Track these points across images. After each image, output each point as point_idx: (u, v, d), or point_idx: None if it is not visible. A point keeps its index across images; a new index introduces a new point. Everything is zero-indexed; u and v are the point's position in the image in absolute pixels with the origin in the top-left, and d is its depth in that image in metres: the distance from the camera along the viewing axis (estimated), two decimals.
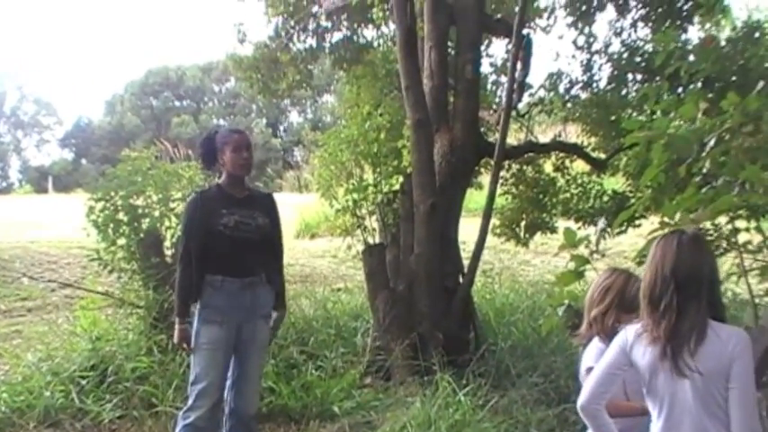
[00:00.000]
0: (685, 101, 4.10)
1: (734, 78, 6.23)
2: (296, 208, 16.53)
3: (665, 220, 4.01)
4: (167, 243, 6.83)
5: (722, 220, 4.41)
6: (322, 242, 14.63)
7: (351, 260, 9.94)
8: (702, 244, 2.72)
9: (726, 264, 4.49)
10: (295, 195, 23.55)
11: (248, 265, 4.49)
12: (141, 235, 6.78)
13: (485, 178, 9.71)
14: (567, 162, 9.75)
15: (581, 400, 2.80)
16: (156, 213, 6.88)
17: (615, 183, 9.98)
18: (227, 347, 4.45)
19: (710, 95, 5.78)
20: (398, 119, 7.55)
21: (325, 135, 8.14)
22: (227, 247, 4.39)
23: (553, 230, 9.60)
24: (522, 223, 9.77)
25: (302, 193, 24.98)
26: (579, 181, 9.65)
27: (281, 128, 56.39)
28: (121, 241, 6.83)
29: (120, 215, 6.81)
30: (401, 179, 7.28)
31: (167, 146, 9.01)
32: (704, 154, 3.92)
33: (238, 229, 4.42)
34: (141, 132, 49.52)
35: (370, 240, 7.54)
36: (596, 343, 3.21)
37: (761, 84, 3.95)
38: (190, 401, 4.38)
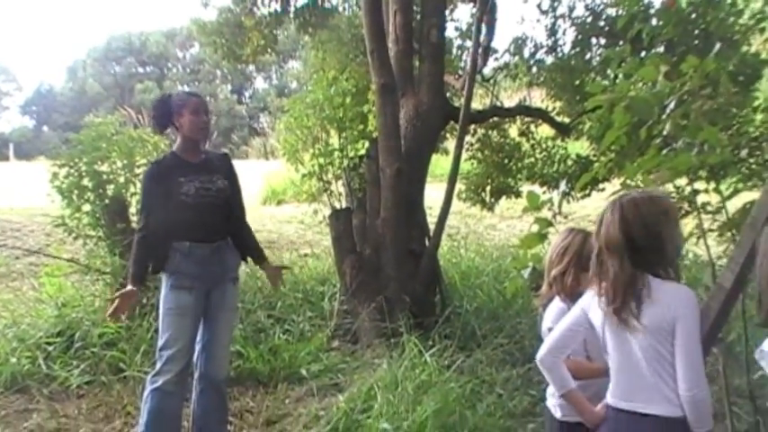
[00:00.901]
0: (646, 64, 4.16)
1: (696, 42, 6.29)
2: (262, 174, 16.48)
3: (628, 182, 4.09)
4: (132, 209, 6.80)
5: (683, 182, 4.47)
6: (289, 208, 14.63)
7: (317, 225, 9.94)
8: (639, 205, 2.75)
9: (689, 225, 4.57)
10: (261, 162, 23.42)
11: (215, 230, 4.48)
12: (106, 201, 6.76)
13: (451, 143, 9.74)
14: (532, 127, 9.80)
15: (540, 353, 2.90)
16: (122, 179, 6.85)
17: (579, 147, 10.06)
18: (196, 313, 4.44)
19: (674, 58, 5.85)
20: (364, 84, 7.53)
21: (291, 100, 8.10)
22: (191, 215, 4.35)
23: (518, 195, 9.65)
24: (488, 188, 9.81)
25: (268, 159, 24.85)
26: (544, 145, 9.70)
27: (247, 94, 55.95)
28: (86, 207, 6.80)
29: (85, 181, 6.77)
30: (367, 144, 7.29)
31: (131, 112, 8.94)
32: (664, 116, 3.98)
33: (200, 195, 4.38)
34: (104, 99, 48.89)
35: (337, 205, 7.56)
36: (557, 303, 3.28)
37: (717, 46, 4.01)
38: (158, 366, 4.37)
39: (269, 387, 5.91)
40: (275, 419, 5.34)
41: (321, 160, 7.46)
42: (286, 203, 15.74)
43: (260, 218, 13.20)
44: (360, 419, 4.96)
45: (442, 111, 7.52)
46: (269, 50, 11.50)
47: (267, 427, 5.24)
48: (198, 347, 4.53)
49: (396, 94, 6.96)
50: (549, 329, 3.22)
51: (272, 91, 51.44)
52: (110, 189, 6.79)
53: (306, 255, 10.18)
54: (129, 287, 4.37)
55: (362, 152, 7.34)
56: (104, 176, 6.81)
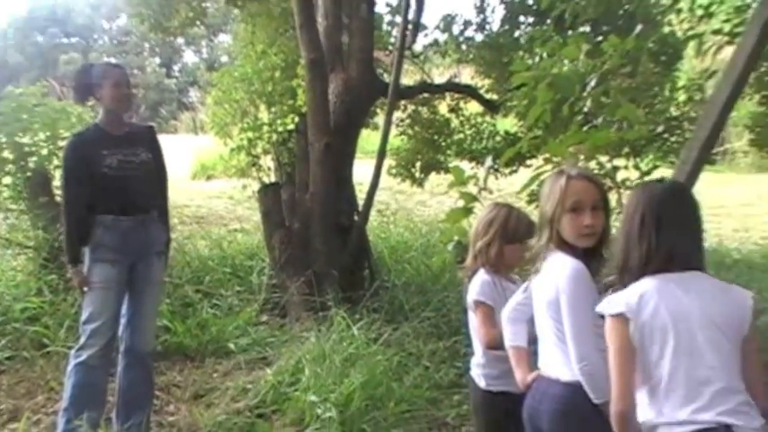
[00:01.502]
0: (568, 43, 4.25)
1: (620, 22, 6.43)
2: (192, 149, 16.28)
3: (551, 158, 4.18)
4: (56, 182, 6.68)
5: (604, 158, 4.59)
6: (218, 183, 14.44)
7: (247, 201, 9.88)
8: (550, 179, 2.86)
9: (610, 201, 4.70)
10: (191, 137, 23.06)
11: (139, 203, 4.44)
12: (28, 174, 6.61)
13: (381, 119, 9.75)
14: (462, 103, 9.87)
15: (507, 306, 3.07)
16: (44, 152, 6.70)
17: (509, 124, 10.19)
18: (120, 286, 4.41)
19: (599, 39, 5.99)
20: (294, 58, 7.50)
21: (219, 73, 8.06)
22: (114, 188, 4.32)
23: (448, 171, 9.70)
24: (418, 164, 9.87)
25: (198, 134, 24.51)
26: (473, 122, 9.79)
27: (176, 68, 54.90)
28: (7, 180, 6.65)
29: (5, 153, 6.61)
30: (296, 118, 7.28)
31: (54, 84, 8.73)
32: (586, 94, 4.09)
33: (122, 168, 4.33)
34: (26, 70, 47.36)
35: (266, 180, 7.55)
36: (482, 274, 3.34)
37: (639, 27, 4.12)
38: (82, 340, 4.34)
39: (196, 361, 5.90)
40: (202, 393, 5.33)
41: (250, 134, 7.43)
42: (216, 179, 15.56)
43: (189, 193, 13.06)
44: (287, 392, 5.02)
45: (371, 86, 7.54)
46: (198, 23, 11.31)
47: (194, 401, 5.23)
48: (123, 321, 4.50)
49: (325, 69, 6.95)
50: (474, 302, 3.30)
51: (202, 65, 50.53)
52: (32, 161, 6.65)
53: (236, 230, 10.11)
54: (71, 271, 4.42)
55: (292, 127, 7.32)
56: (26, 148, 6.66)
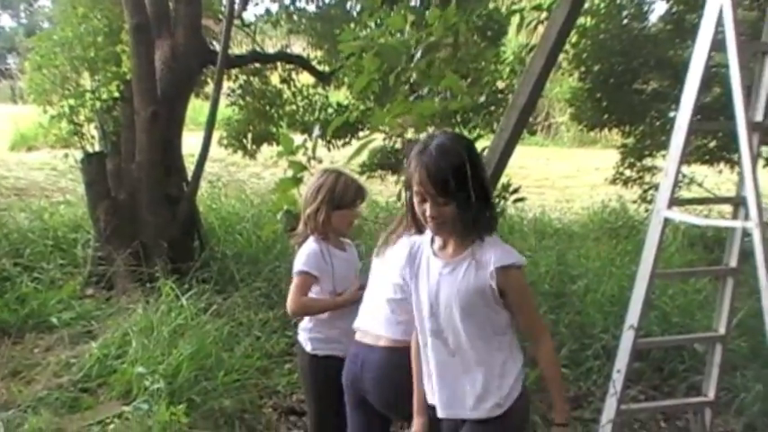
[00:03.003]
0: (394, 14, 4.34)
1: None
2: (11, 119, 15.47)
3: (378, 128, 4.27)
4: None
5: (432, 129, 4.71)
6: (40, 154, 13.79)
7: (71, 172, 9.49)
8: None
9: None
10: (9, 106, 21.88)
11: None
12: None
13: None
14: (294, 74, 9.88)
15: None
16: None
17: (341, 96, 10.29)
18: None
19: (427, 11, 6.14)
20: (118, 23, 7.25)
21: (37, 37, 7.69)
22: None
23: (279, 142, 9.71)
24: (249, 135, 9.83)
25: (17, 104, 23.29)
26: (305, 93, 9.83)
27: None
28: None
29: None
30: (121, 86, 7.05)
31: None
32: (412, 65, 4.19)
33: None
34: None
35: (90, 149, 7.29)
36: (310, 243, 3.37)
37: None
38: None
39: (15, 337, 5.63)
40: (21, 369, 5.12)
41: (71, 101, 7.14)
42: (37, 150, 14.86)
43: (7, 164, 12.44)
44: (114, 365, 4.93)
45: (199, 53, 7.39)
46: None
47: (12, 378, 5.01)
48: None
49: (150, 35, 6.75)
50: (298, 271, 3.32)
51: (21, 30, 47.81)
52: None
53: (59, 202, 9.69)
54: None
55: (116, 94, 7.09)
56: None
